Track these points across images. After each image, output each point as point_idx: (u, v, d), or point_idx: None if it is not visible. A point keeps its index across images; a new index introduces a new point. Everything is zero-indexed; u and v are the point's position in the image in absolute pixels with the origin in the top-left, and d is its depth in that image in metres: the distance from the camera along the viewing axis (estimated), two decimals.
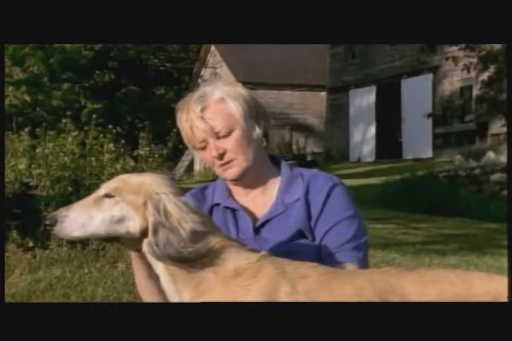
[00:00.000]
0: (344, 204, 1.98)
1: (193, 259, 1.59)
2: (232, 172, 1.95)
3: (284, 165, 2.04)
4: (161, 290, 1.71)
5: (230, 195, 2.03)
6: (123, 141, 8.59)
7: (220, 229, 1.74)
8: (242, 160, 1.94)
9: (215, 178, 2.15)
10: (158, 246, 1.58)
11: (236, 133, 1.93)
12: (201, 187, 2.12)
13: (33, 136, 7.57)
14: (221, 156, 1.93)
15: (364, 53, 23.81)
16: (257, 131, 1.97)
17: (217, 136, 1.92)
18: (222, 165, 1.95)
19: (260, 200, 2.01)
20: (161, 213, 1.60)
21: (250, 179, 1.99)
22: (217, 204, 2.03)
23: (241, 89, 1.97)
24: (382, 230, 8.17)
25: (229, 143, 1.92)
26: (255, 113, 1.97)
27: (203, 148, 1.95)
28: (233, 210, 2.00)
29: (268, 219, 1.97)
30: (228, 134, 1.92)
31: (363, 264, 1.94)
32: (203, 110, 1.91)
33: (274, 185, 2.01)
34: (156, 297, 1.84)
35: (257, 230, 1.96)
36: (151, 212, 1.60)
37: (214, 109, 1.92)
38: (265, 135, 2.01)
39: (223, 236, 1.68)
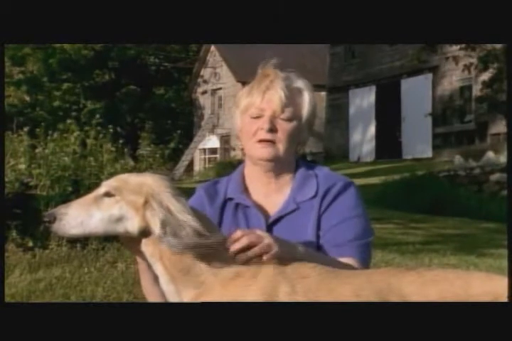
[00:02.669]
0: (352, 203, 1.98)
1: (206, 248, 1.59)
2: (270, 151, 1.95)
3: (301, 165, 2.06)
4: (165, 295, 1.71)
5: (244, 190, 2.03)
6: (123, 141, 8.58)
7: (220, 231, 1.74)
8: (281, 148, 1.96)
9: (214, 177, 2.15)
10: (167, 236, 1.58)
11: (294, 124, 1.97)
12: (213, 182, 2.12)
13: (33, 136, 7.56)
14: (271, 131, 1.94)
15: (364, 53, 23.82)
16: (305, 135, 2.03)
17: (278, 116, 1.95)
18: (264, 141, 1.95)
19: (273, 198, 2.01)
20: (166, 211, 1.60)
21: (275, 170, 2.00)
22: (230, 199, 2.03)
23: (314, 93, 2.06)
24: (382, 230, 8.17)
25: (283, 127, 1.95)
26: (313, 121, 2.04)
27: (256, 117, 1.96)
28: (245, 207, 2.00)
29: (279, 217, 1.97)
30: (289, 120, 1.96)
31: (364, 263, 1.93)
32: (287, 88, 1.96)
33: (289, 184, 2.02)
34: (161, 300, 1.84)
35: (269, 228, 1.96)
36: (157, 209, 1.60)
37: (292, 94, 1.97)
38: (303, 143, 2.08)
39: (222, 238, 1.68)
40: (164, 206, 1.61)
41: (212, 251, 1.60)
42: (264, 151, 1.95)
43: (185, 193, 1.75)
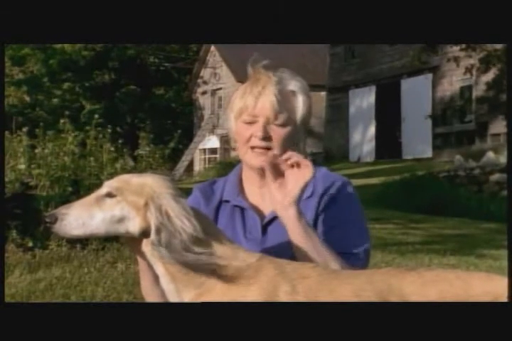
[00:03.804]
0: (349, 206, 1.97)
1: (196, 265, 1.59)
2: (263, 160, 1.91)
3: None
4: (165, 295, 1.70)
5: (240, 192, 2.03)
6: (122, 141, 8.59)
7: (220, 231, 1.73)
8: (276, 155, 1.92)
9: (214, 178, 2.14)
10: (161, 245, 1.58)
11: (288, 129, 1.94)
12: (210, 182, 2.11)
13: (32, 136, 7.56)
14: (265, 139, 1.92)
15: (364, 53, 23.82)
16: (301, 136, 1.99)
17: (272, 122, 1.92)
18: (257, 148, 1.93)
19: (269, 199, 1.99)
20: (164, 216, 1.60)
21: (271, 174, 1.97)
22: (226, 201, 2.02)
23: (308, 93, 2.01)
24: (382, 230, 8.16)
25: (277, 134, 1.92)
26: (308, 121, 2.00)
27: (249, 123, 1.93)
28: (242, 209, 2.00)
29: (274, 217, 1.95)
30: (283, 125, 1.93)
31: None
32: (280, 92, 1.91)
33: None
34: (161, 301, 1.83)
35: (264, 228, 1.96)
36: (154, 213, 1.60)
37: (286, 98, 1.93)
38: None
39: (224, 238, 1.68)
40: (163, 210, 1.60)
41: (200, 269, 1.60)
42: (258, 160, 1.93)
43: (185, 194, 1.75)
